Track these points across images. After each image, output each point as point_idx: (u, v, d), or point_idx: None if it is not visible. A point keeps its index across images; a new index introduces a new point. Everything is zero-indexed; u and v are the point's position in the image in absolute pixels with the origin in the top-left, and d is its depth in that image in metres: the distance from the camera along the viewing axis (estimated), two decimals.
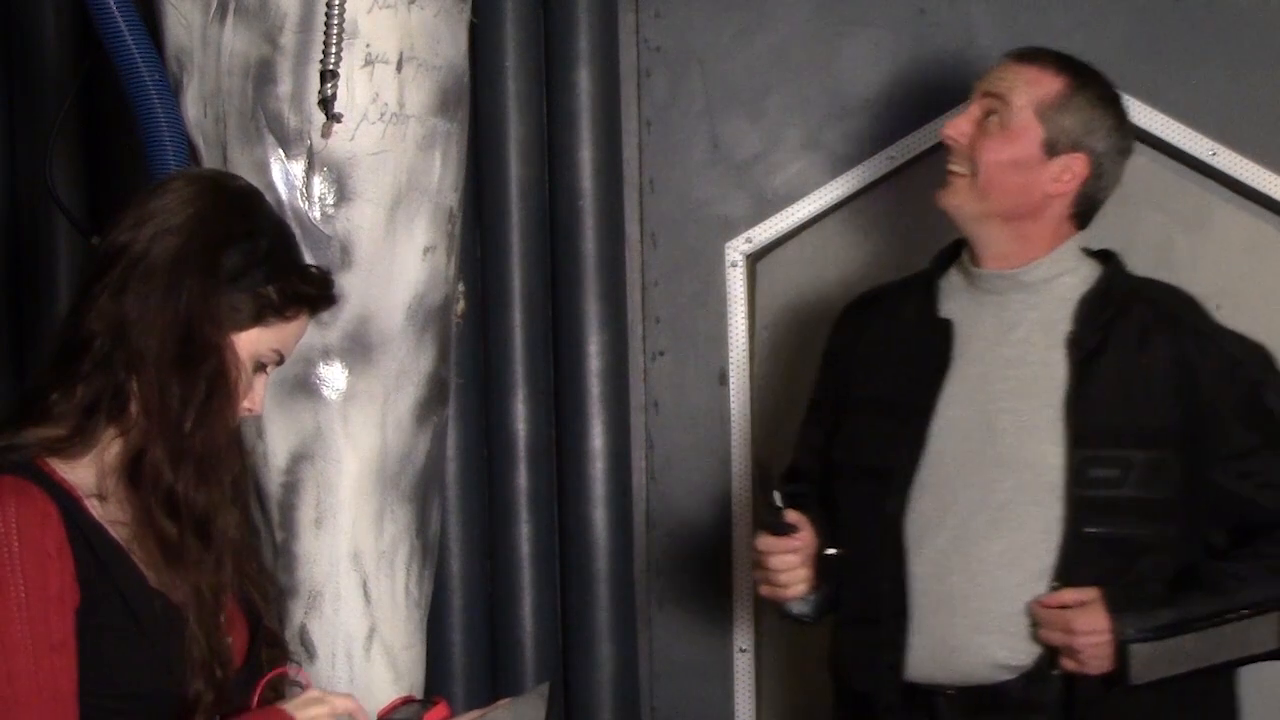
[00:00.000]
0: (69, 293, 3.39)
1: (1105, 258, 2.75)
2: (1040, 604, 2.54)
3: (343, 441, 2.49)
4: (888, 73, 3.41)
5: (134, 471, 1.92)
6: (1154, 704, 2.58)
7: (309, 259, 2.43)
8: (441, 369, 2.59)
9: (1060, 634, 2.52)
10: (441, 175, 2.54)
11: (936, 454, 2.64)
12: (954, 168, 2.68)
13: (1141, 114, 3.28)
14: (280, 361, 2.01)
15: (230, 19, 2.44)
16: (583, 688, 3.40)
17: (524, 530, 3.37)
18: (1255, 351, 2.70)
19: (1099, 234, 3.38)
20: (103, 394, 1.91)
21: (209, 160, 2.48)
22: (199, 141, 2.49)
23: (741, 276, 3.42)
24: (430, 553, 2.62)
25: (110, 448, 1.92)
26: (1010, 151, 2.64)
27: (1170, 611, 2.54)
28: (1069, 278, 2.69)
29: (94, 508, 1.90)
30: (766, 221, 3.42)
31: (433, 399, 2.57)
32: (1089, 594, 2.52)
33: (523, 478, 3.38)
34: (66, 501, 1.87)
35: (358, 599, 2.50)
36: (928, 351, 2.69)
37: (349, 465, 2.49)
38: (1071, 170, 2.65)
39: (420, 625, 2.60)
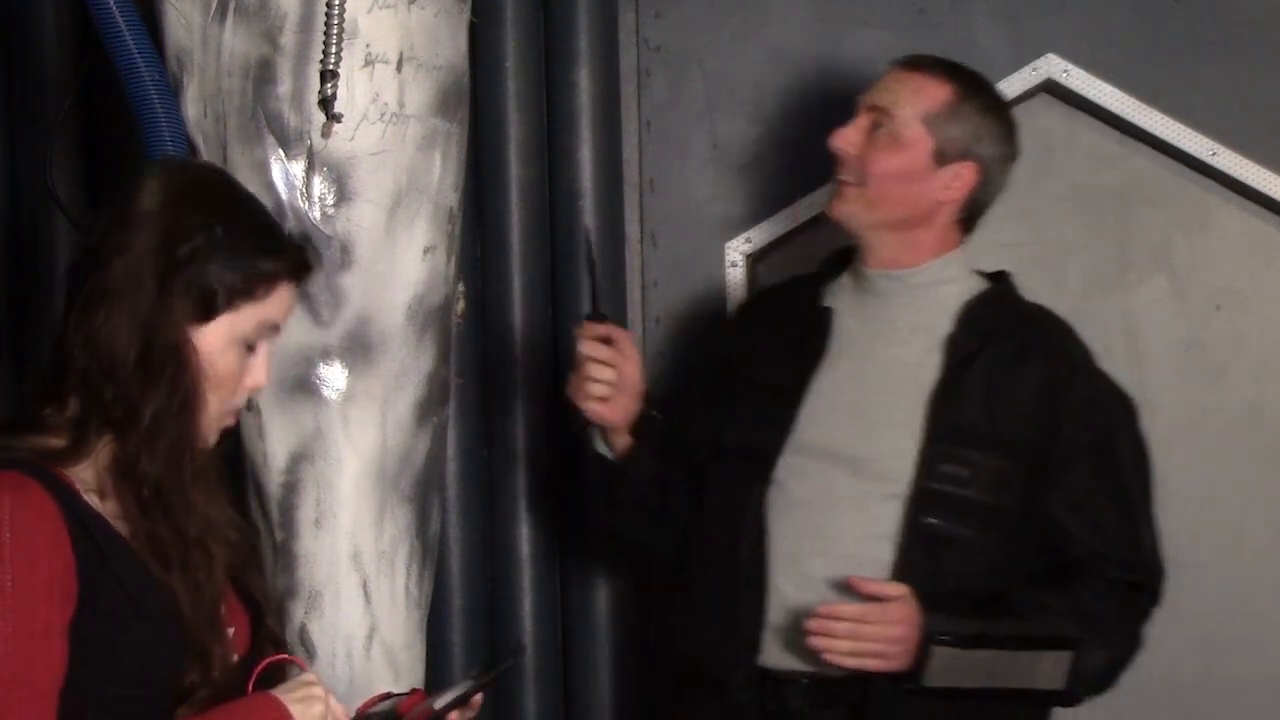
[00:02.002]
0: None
1: (997, 277, 2.79)
2: (859, 585, 2.52)
3: (343, 441, 2.49)
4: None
5: (119, 474, 1.93)
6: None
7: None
8: (441, 369, 2.59)
9: (883, 626, 2.50)
10: (441, 175, 2.54)
11: (802, 440, 2.66)
12: (844, 178, 2.71)
13: (1141, 114, 3.28)
14: (277, 330, 2.02)
15: (230, 19, 2.44)
16: (582, 688, 3.40)
17: (524, 530, 3.37)
18: (1120, 399, 2.74)
19: (1100, 233, 3.38)
20: (90, 408, 1.93)
21: (209, 160, 2.48)
22: (199, 141, 2.49)
23: (741, 276, 3.42)
24: (430, 553, 2.62)
25: (103, 452, 1.95)
26: (899, 162, 2.67)
27: (976, 623, 2.55)
28: (954, 286, 2.73)
29: (94, 502, 1.92)
30: (766, 221, 3.42)
31: (433, 399, 2.57)
32: (898, 589, 2.53)
33: (522, 478, 3.37)
34: (66, 495, 1.89)
35: (358, 599, 2.50)
36: (806, 337, 2.73)
37: (349, 465, 2.49)
38: (961, 178, 2.69)
39: (420, 625, 2.60)
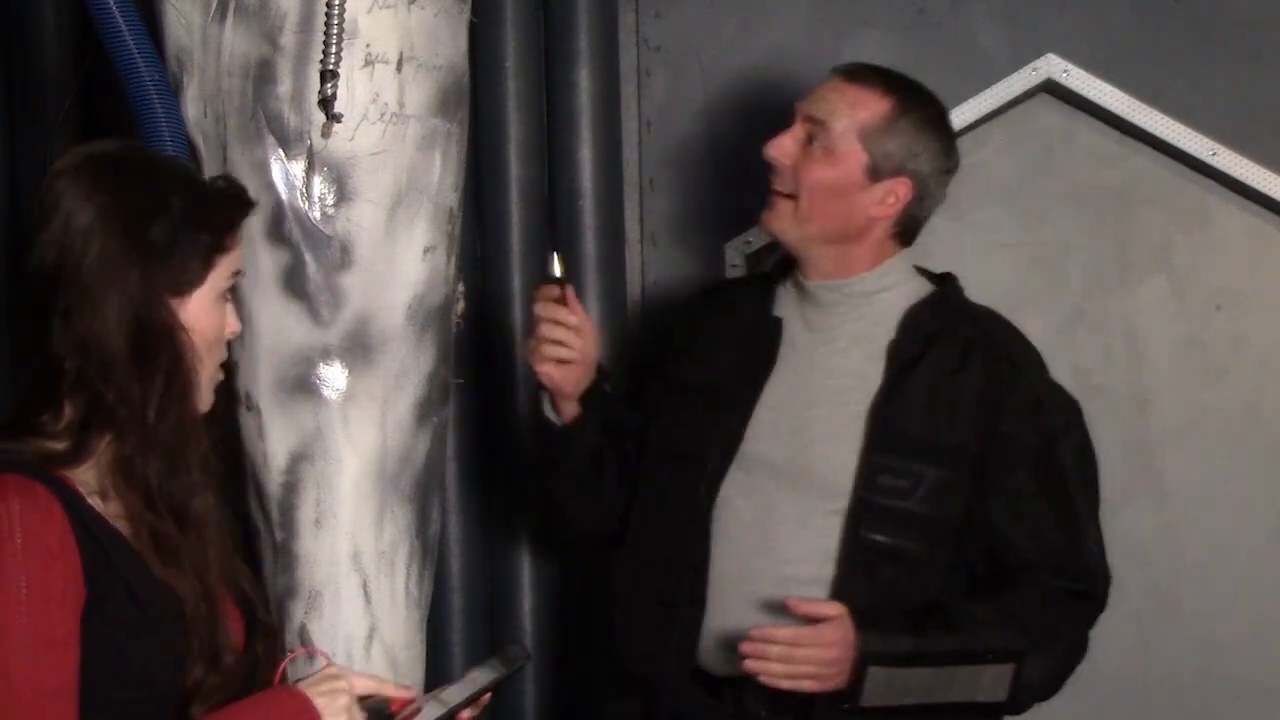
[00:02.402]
0: None
1: (943, 279, 2.75)
2: (795, 606, 2.49)
3: (343, 441, 2.49)
4: None
5: (123, 471, 1.94)
6: None
7: (309, 258, 2.45)
8: (441, 369, 2.59)
9: (816, 650, 2.47)
10: (441, 175, 2.54)
11: (749, 453, 2.63)
12: (777, 188, 2.67)
13: (1141, 114, 3.28)
14: (241, 274, 2.06)
15: (230, 19, 2.44)
16: (582, 687, 3.39)
17: (524, 530, 3.37)
18: (1063, 403, 2.69)
19: (1100, 233, 3.38)
20: (91, 410, 1.93)
21: (209, 160, 2.49)
22: (199, 141, 2.49)
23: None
24: (430, 553, 2.62)
25: (105, 453, 1.95)
26: (832, 176, 2.62)
27: (911, 640, 2.52)
28: (894, 293, 2.69)
29: (98, 504, 1.92)
30: None
31: (433, 399, 2.57)
32: (835, 608, 2.49)
33: (522, 478, 3.37)
34: (70, 498, 1.89)
35: (358, 599, 2.50)
36: (756, 347, 2.70)
37: (349, 465, 2.49)
38: (895, 194, 2.64)
39: (420, 625, 2.60)
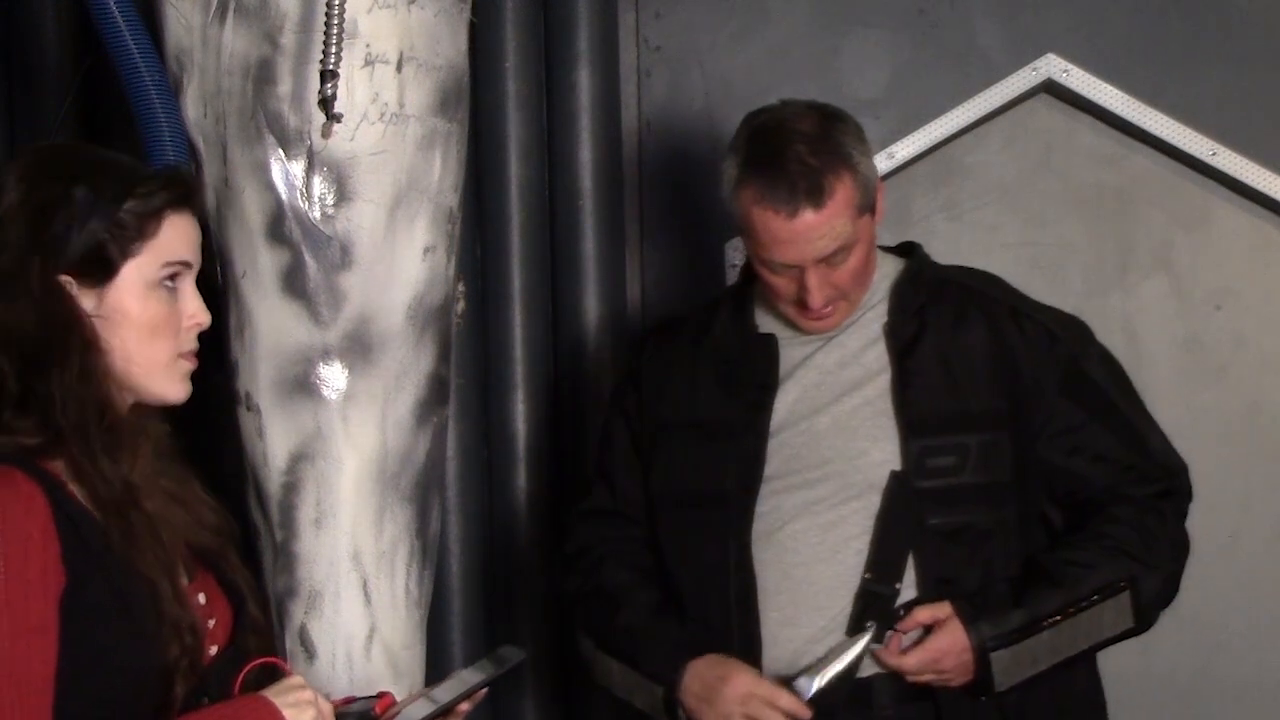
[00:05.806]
0: None
1: (909, 249, 2.70)
2: (899, 630, 2.49)
3: (343, 441, 2.49)
4: (888, 73, 3.41)
5: (68, 459, 1.92)
6: (1020, 701, 2.55)
7: (309, 258, 2.45)
8: (441, 369, 2.59)
9: (930, 662, 2.48)
10: (441, 175, 2.54)
11: (771, 472, 2.57)
12: (836, 307, 2.58)
13: (1141, 114, 3.28)
14: (189, 265, 1.99)
15: (230, 19, 2.44)
16: (582, 689, 3.39)
17: (524, 530, 3.37)
18: (1071, 325, 2.67)
19: (1100, 233, 3.39)
20: (45, 406, 1.91)
21: (209, 160, 2.49)
22: (199, 141, 2.49)
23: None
24: (430, 553, 2.62)
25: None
26: (863, 256, 2.54)
27: (1022, 612, 2.51)
28: (874, 273, 2.63)
29: (77, 491, 1.91)
30: None
31: (433, 399, 2.57)
32: (942, 610, 2.49)
33: (522, 478, 3.38)
34: (51, 486, 1.88)
35: (358, 599, 2.50)
36: (752, 369, 2.63)
37: (349, 465, 2.49)
38: (879, 203, 2.59)
39: (420, 625, 2.60)
